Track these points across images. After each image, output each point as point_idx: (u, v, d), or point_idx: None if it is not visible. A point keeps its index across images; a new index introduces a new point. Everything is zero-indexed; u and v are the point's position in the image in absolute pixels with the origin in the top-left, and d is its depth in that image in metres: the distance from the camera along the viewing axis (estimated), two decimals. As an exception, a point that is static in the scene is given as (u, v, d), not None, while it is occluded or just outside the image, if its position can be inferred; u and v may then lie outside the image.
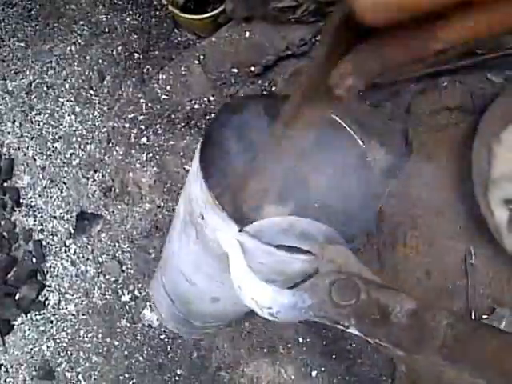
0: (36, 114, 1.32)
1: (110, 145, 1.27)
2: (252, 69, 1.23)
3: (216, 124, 0.64)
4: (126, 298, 1.17)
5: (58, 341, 1.16)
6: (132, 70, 1.34)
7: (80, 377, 1.14)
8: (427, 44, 0.34)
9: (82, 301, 1.18)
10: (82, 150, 1.28)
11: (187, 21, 1.29)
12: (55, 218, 1.23)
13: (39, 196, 1.25)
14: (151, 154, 1.20)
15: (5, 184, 1.26)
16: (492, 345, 0.44)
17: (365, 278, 0.49)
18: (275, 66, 1.26)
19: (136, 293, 1.17)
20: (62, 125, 1.31)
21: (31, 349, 1.16)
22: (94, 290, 1.19)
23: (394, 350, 0.46)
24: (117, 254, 1.20)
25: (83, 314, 1.17)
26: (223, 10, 1.23)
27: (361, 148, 0.66)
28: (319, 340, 1.12)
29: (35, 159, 1.28)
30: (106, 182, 1.25)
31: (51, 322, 1.17)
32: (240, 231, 0.54)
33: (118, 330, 1.15)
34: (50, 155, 1.28)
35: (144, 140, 1.24)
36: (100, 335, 1.15)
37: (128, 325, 1.16)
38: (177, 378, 1.12)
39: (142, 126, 1.25)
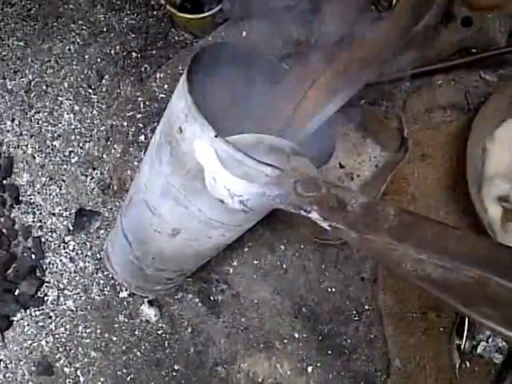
0: (35, 113, 1.33)
1: (109, 143, 1.28)
2: (249, 68, 1.25)
3: (206, 52, 0.74)
4: (124, 294, 1.18)
5: (56, 336, 1.17)
6: (130, 68, 1.35)
7: (78, 372, 1.15)
8: None
9: (81, 297, 1.19)
10: (81, 148, 1.29)
11: (184, 20, 1.30)
12: (54, 214, 1.25)
13: (38, 193, 1.27)
14: (149, 152, 1.22)
15: (4, 181, 1.27)
16: (431, 231, 0.52)
17: (325, 180, 0.58)
18: (272, 65, 1.27)
19: (134, 289, 1.18)
20: (60, 123, 1.32)
21: (30, 344, 1.17)
22: (92, 286, 1.20)
23: (348, 231, 0.53)
24: (115, 251, 1.21)
25: (82, 310, 1.18)
26: (220, 9, 1.24)
27: None
28: (315, 336, 1.13)
29: (34, 157, 1.29)
30: (104, 179, 1.26)
31: (50, 317, 1.18)
32: (216, 137, 0.59)
33: (116, 325, 1.17)
34: (49, 153, 1.29)
35: (142, 138, 1.25)
36: (98, 331, 1.17)
37: (126, 320, 1.17)
38: (174, 374, 1.13)
39: (140, 125, 1.27)
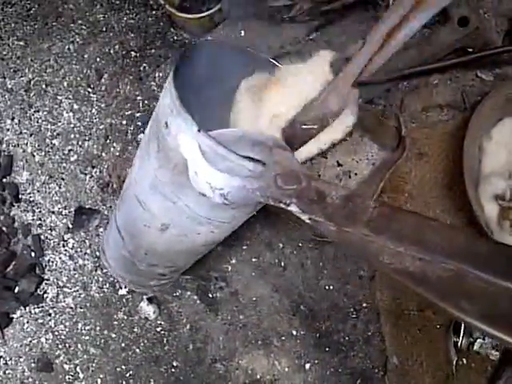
0: (35, 112, 1.34)
1: (108, 141, 1.29)
2: (247, 67, 1.25)
3: (192, 51, 0.77)
4: (123, 291, 1.19)
5: (56, 333, 1.18)
6: (129, 68, 1.36)
7: (78, 369, 1.16)
8: None
9: (80, 294, 1.20)
10: (80, 146, 1.30)
11: (183, 20, 1.30)
12: (53, 213, 1.25)
13: (38, 191, 1.27)
14: (148, 151, 1.22)
15: (4, 180, 1.28)
16: (409, 222, 0.52)
17: (306, 173, 0.58)
18: (270, 64, 1.28)
19: (133, 286, 1.19)
20: (60, 122, 1.33)
21: (30, 341, 1.18)
22: (91, 283, 1.21)
23: (327, 224, 0.53)
24: (114, 249, 1.22)
25: (81, 307, 1.19)
26: (219, 9, 1.25)
27: None
28: (313, 333, 1.14)
29: (34, 155, 1.30)
30: (103, 177, 1.27)
31: (50, 314, 1.19)
32: (199, 131, 0.60)
33: (116, 322, 1.17)
34: (49, 151, 1.30)
35: (141, 136, 1.26)
36: (97, 328, 1.17)
37: (125, 317, 1.18)
38: (173, 370, 1.14)
39: (139, 123, 1.27)
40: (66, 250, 1.23)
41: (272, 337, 1.15)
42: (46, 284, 1.21)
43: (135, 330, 1.17)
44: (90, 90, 1.35)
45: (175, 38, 1.38)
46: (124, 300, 1.19)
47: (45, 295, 1.20)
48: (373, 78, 1.13)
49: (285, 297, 1.16)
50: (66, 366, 1.16)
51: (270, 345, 1.14)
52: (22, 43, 1.42)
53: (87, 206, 1.25)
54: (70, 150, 1.30)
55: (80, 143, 1.30)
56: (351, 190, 0.57)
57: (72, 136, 1.31)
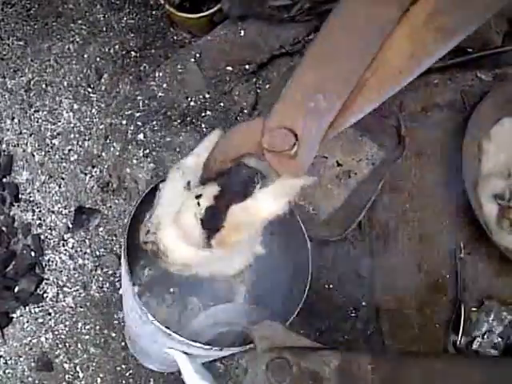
0: (35, 111, 1.34)
1: (108, 141, 1.29)
2: (246, 67, 1.26)
3: None
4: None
5: (56, 333, 1.18)
6: (129, 67, 1.36)
7: (78, 368, 1.16)
8: None
9: (80, 293, 1.20)
10: (80, 146, 1.30)
11: (183, 20, 1.31)
12: (53, 212, 1.25)
13: (38, 191, 1.27)
14: (148, 150, 1.22)
15: (4, 179, 1.28)
16: (415, 373, 0.47)
17: (293, 350, 0.54)
18: (269, 64, 1.29)
19: (133, 286, 1.19)
20: (60, 121, 1.33)
21: (30, 341, 1.18)
22: (91, 283, 1.21)
23: None
24: (114, 248, 1.22)
25: (81, 307, 1.19)
26: (219, 9, 1.25)
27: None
28: (313, 331, 1.14)
29: (34, 155, 1.30)
30: (103, 177, 1.27)
31: (49, 314, 1.19)
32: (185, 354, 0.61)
33: (115, 321, 1.17)
34: (49, 151, 1.30)
35: (141, 136, 1.26)
36: (97, 327, 1.17)
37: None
38: (173, 369, 1.14)
39: (139, 123, 1.27)
40: (65, 250, 1.23)
41: (272, 336, 1.14)
42: (45, 283, 1.21)
43: (135, 329, 1.17)
44: (89, 89, 1.36)
45: (175, 38, 1.39)
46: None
47: (45, 295, 1.20)
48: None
49: (284, 296, 1.16)
50: (66, 366, 1.16)
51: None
52: (21, 43, 1.42)
53: (87, 206, 1.25)
54: (69, 150, 1.30)
55: (80, 143, 1.31)
56: (341, 355, 0.53)
57: (72, 136, 1.31)
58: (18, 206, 1.27)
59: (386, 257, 1.15)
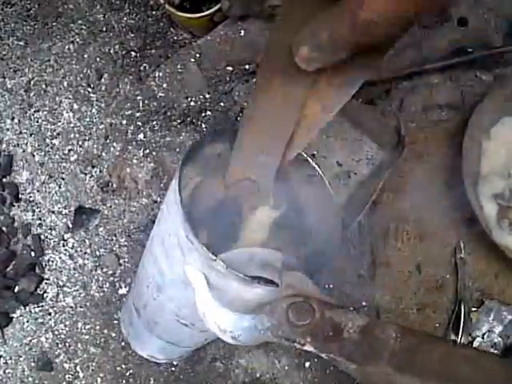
0: (35, 111, 1.34)
1: (108, 141, 1.29)
2: (247, 67, 1.26)
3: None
4: (123, 290, 1.19)
5: (56, 333, 1.18)
6: (129, 68, 1.36)
7: (78, 368, 1.16)
8: (355, 14, 0.35)
9: (80, 293, 1.20)
10: (80, 146, 1.30)
11: (183, 20, 1.31)
12: (53, 212, 1.25)
13: (38, 191, 1.27)
14: (148, 150, 1.23)
15: (4, 180, 1.28)
16: (436, 353, 0.47)
17: (320, 300, 0.53)
18: (269, 63, 1.28)
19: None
20: (60, 121, 1.33)
21: (30, 341, 1.18)
22: (91, 282, 1.21)
23: (346, 363, 0.49)
24: (114, 248, 1.22)
25: (81, 307, 1.19)
26: (219, 8, 1.25)
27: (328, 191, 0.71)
28: (312, 332, 1.14)
29: (34, 155, 1.30)
30: (103, 177, 1.27)
31: (49, 314, 1.19)
32: (214, 260, 0.57)
33: (116, 321, 1.17)
34: (49, 151, 1.30)
35: (141, 136, 1.26)
36: (98, 327, 1.17)
37: (125, 317, 1.18)
38: (173, 369, 1.14)
39: (139, 123, 1.28)
40: (65, 250, 1.23)
41: (272, 336, 1.15)
42: (45, 283, 1.21)
43: (135, 329, 1.17)
44: (89, 89, 1.36)
45: (175, 38, 1.39)
46: (124, 299, 1.19)
47: (45, 295, 1.20)
48: (373, 77, 1.14)
49: (284, 296, 1.16)
50: (66, 365, 1.16)
51: (269, 343, 1.14)
52: (21, 43, 1.42)
53: (87, 206, 1.25)
54: (69, 150, 1.30)
55: (80, 143, 1.31)
56: (368, 319, 0.52)
57: (72, 136, 1.31)
58: (18, 206, 1.27)
59: (386, 256, 1.15)
